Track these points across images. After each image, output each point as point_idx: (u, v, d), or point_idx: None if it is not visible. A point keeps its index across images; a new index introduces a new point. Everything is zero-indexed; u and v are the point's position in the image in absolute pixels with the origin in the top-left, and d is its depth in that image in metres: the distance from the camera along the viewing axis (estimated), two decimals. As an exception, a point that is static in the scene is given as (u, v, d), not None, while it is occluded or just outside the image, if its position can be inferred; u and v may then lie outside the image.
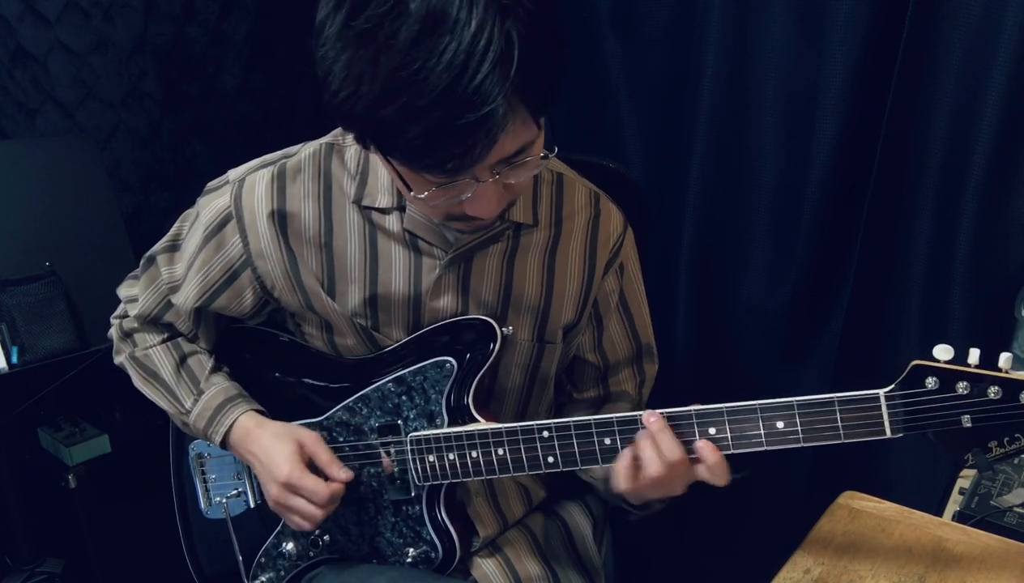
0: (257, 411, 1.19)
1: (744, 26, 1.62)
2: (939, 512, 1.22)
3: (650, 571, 2.05)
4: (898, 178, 1.54)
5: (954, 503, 1.22)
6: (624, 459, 1.01)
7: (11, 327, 1.71)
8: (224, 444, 1.18)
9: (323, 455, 1.14)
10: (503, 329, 1.11)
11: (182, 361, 1.23)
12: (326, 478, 1.13)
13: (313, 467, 1.14)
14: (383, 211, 1.11)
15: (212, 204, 1.15)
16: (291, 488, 1.11)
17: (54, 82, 2.00)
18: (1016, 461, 1.27)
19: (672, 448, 0.97)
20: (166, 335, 1.25)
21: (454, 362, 1.11)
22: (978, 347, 0.87)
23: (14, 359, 1.70)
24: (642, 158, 1.86)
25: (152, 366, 1.23)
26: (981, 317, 1.48)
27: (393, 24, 0.82)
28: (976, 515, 1.16)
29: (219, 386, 1.20)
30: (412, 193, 0.95)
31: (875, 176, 1.56)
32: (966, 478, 1.27)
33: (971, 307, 1.48)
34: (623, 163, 1.53)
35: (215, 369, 1.23)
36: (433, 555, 1.16)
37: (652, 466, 0.98)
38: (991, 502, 1.18)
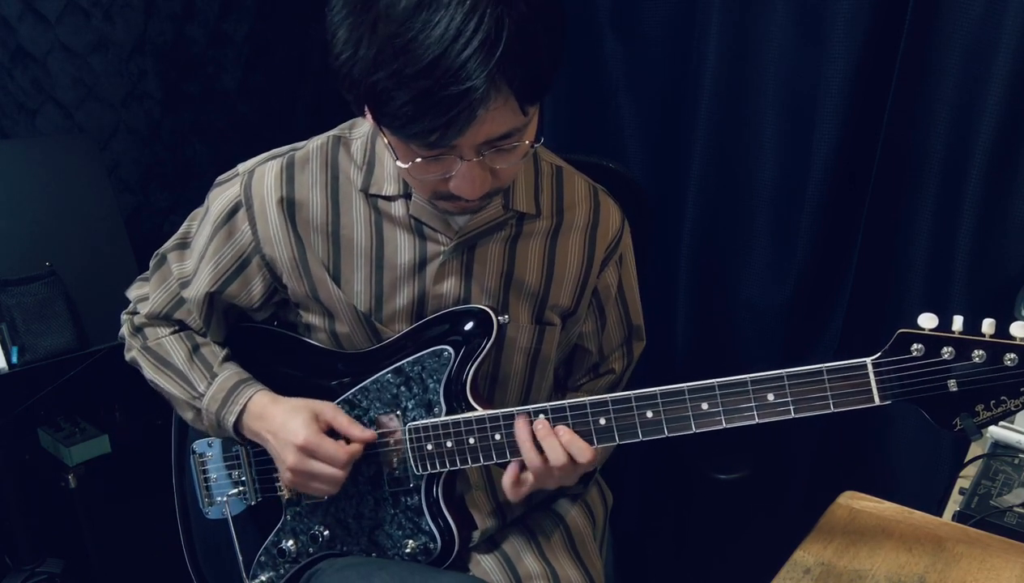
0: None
1: (744, 26, 1.62)
2: (939, 512, 1.22)
3: (650, 571, 2.06)
4: (898, 178, 1.54)
5: (954, 503, 1.22)
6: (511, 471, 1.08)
7: (11, 327, 1.70)
8: (238, 424, 1.18)
9: (342, 419, 1.15)
10: (500, 318, 1.12)
11: (195, 349, 1.23)
12: (346, 443, 1.14)
13: (331, 435, 1.14)
14: (389, 199, 1.13)
15: (222, 196, 1.16)
16: (309, 452, 1.12)
17: (54, 82, 2.00)
18: (1016, 461, 1.27)
19: (556, 452, 1.04)
20: (177, 327, 1.26)
21: (451, 351, 1.12)
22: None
23: (14, 359, 1.70)
24: (642, 158, 1.86)
25: (164, 354, 1.24)
26: (981, 317, 1.48)
27: None
28: (976, 515, 1.16)
29: (232, 370, 1.21)
30: (398, 161, 0.99)
31: (875, 176, 1.56)
32: (966, 478, 1.27)
33: (971, 307, 1.47)
34: (623, 163, 1.53)
35: (227, 357, 1.24)
36: (432, 546, 1.16)
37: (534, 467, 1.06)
38: (991, 502, 1.18)
